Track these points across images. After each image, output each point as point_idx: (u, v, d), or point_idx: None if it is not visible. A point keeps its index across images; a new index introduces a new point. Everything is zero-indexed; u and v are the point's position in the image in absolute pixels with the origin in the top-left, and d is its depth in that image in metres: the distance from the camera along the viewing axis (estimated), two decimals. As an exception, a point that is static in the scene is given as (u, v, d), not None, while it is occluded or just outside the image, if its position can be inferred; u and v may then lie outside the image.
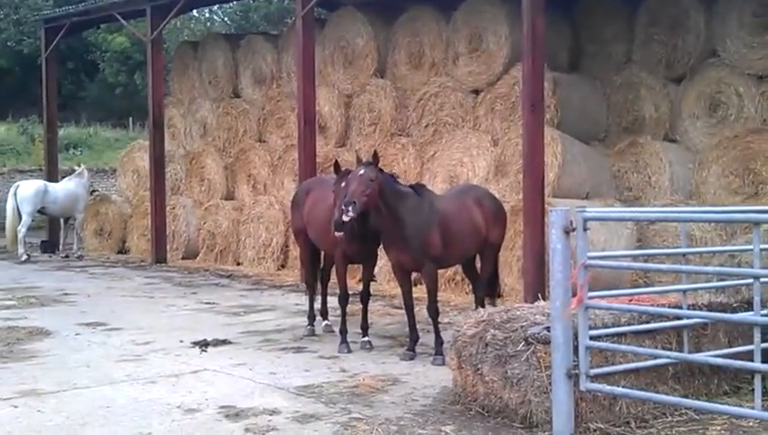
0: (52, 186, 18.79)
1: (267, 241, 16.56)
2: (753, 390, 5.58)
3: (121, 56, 37.64)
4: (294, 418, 6.53)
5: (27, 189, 18.16)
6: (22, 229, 17.88)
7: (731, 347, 6.89)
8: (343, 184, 8.35)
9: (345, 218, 8.07)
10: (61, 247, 19.68)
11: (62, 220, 19.65)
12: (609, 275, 10.90)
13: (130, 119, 36.46)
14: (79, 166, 19.98)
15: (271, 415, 6.60)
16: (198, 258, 18.05)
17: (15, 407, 6.90)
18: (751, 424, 6.15)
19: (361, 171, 8.21)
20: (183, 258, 18.25)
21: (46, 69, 21.25)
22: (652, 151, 13.06)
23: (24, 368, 8.29)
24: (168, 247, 18.15)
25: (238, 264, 17.16)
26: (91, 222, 20.47)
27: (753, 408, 5.43)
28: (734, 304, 7.20)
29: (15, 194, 18.06)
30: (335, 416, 6.58)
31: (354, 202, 7.97)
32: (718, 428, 6.11)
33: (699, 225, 11.58)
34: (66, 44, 29.52)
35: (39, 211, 18.49)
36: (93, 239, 20.52)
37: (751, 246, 5.49)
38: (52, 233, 20.60)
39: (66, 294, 13.45)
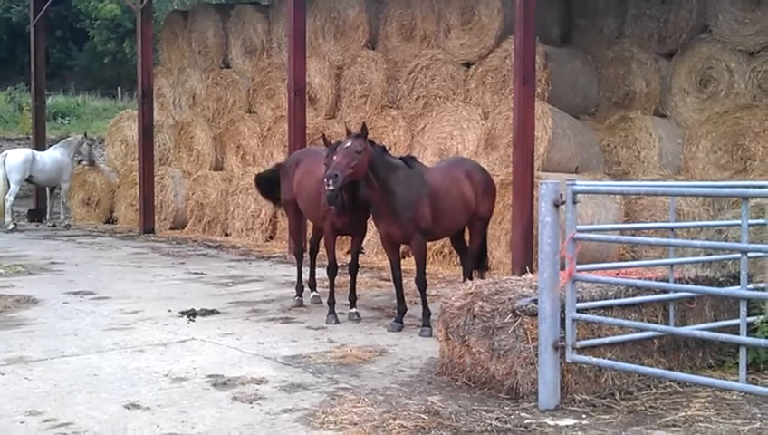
0: (39, 154, 18.67)
1: (256, 212, 16.54)
2: (737, 363, 5.63)
3: (111, 24, 37.35)
4: (282, 387, 6.55)
5: (16, 158, 18.04)
6: (9, 198, 17.79)
7: (716, 321, 6.94)
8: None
9: (328, 191, 8.08)
10: (48, 216, 19.60)
11: (47, 189, 19.56)
12: (596, 248, 10.97)
13: (119, 88, 36.26)
14: (83, 135, 19.86)
15: (258, 384, 6.62)
16: (186, 229, 18.03)
17: (3, 374, 6.89)
18: (735, 397, 6.20)
19: (348, 143, 8.19)
20: (171, 229, 18.23)
21: (35, 37, 21.07)
22: (642, 126, 13.08)
23: (12, 336, 8.28)
24: (155, 217, 18.12)
25: (226, 234, 17.15)
26: (79, 191, 20.39)
27: (737, 381, 5.48)
28: (721, 279, 7.24)
29: (4, 163, 17.94)
30: (322, 386, 6.61)
31: (336, 175, 7.96)
32: (702, 400, 6.15)
33: (687, 200, 11.63)
34: (55, 12, 29.28)
35: (26, 180, 18.38)
36: (81, 209, 20.45)
37: (738, 221, 5.51)
38: (39, 202, 20.54)
39: (54, 262, 13.42)
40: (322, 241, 9.83)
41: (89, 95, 36.53)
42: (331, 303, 9.19)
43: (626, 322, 6.24)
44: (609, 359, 6.22)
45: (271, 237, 16.27)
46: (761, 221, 7.16)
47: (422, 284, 8.65)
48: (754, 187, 6.72)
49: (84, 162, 19.95)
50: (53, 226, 18.99)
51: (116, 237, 17.23)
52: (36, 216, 20.27)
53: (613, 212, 12.04)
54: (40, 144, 20.76)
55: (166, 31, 21.04)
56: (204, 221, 17.71)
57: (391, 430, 5.53)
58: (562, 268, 5.96)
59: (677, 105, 13.44)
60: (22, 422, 5.71)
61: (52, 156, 18.73)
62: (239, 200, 16.88)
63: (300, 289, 10.10)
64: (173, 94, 20.18)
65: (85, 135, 20.07)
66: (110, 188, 20.07)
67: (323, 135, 9.18)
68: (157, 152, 18.79)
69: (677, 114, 13.44)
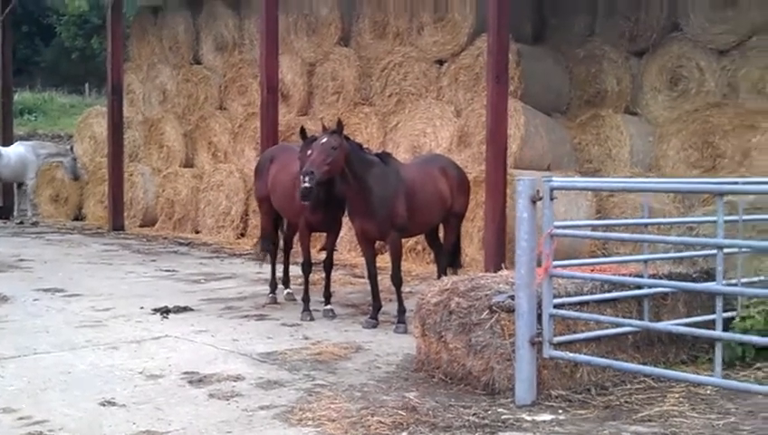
0: (4, 150, 18.48)
1: (227, 209, 16.45)
2: (710, 359, 5.69)
3: (78, 20, 37.00)
4: (258, 384, 6.52)
5: (-19, 154, 17.82)
6: (-24, 194, 17.57)
7: (689, 317, 7.00)
8: (309, 151, 8.29)
9: (303, 187, 8.02)
10: (15, 213, 19.36)
11: (15, 186, 19.30)
12: (570, 245, 11.02)
13: (86, 84, 35.89)
14: (70, 148, 19.58)
15: (234, 381, 6.57)
16: (156, 226, 17.89)
17: (-26, 372, 6.81)
18: (708, 392, 6.26)
19: (324, 139, 8.16)
20: (141, 226, 18.09)
21: (2, 33, 20.77)
22: (613, 124, 13.18)
23: (-18, 333, 8.17)
24: (125, 215, 17.96)
25: (197, 232, 17.04)
26: (47, 188, 20.18)
27: (711, 376, 5.53)
28: (694, 275, 7.30)
29: (-30, 159, 17.70)
30: (299, 382, 6.58)
31: (312, 172, 7.92)
32: (677, 395, 6.20)
33: (657, 197, 11.72)
34: (22, 8, 28.89)
35: (-10, 176, 18.13)
36: (49, 205, 20.23)
37: (712, 218, 5.55)
38: (5, 198, 20.27)
39: (22, 259, 13.25)
40: (296, 238, 9.79)
41: (56, 91, 36.13)
42: (306, 299, 9.16)
43: (602, 317, 6.28)
44: (584, 355, 6.25)
45: (242, 235, 16.18)
46: (734, 217, 7.23)
47: (398, 280, 8.65)
48: (729, 183, 6.78)
49: (66, 173, 19.47)
50: (21, 223, 18.77)
51: (85, 234, 17.07)
52: (3, 213, 20.02)
53: (585, 210, 12.12)
54: (6, 141, 20.47)
55: (135, 26, 20.88)
56: (174, 218, 17.59)
57: (369, 426, 5.52)
58: (539, 265, 5.98)
59: (648, 103, 13.55)
60: (-5, 420, 5.64)
61: (16, 151, 18.52)
62: (210, 197, 16.78)
63: (273, 286, 10.06)
64: (143, 90, 20.02)
65: (71, 149, 19.63)
66: (78, 184, 19.85)
67: (302, 127, 9.10)
68: (126, 149, 18.62)
69: (648, 112, 13.56)
